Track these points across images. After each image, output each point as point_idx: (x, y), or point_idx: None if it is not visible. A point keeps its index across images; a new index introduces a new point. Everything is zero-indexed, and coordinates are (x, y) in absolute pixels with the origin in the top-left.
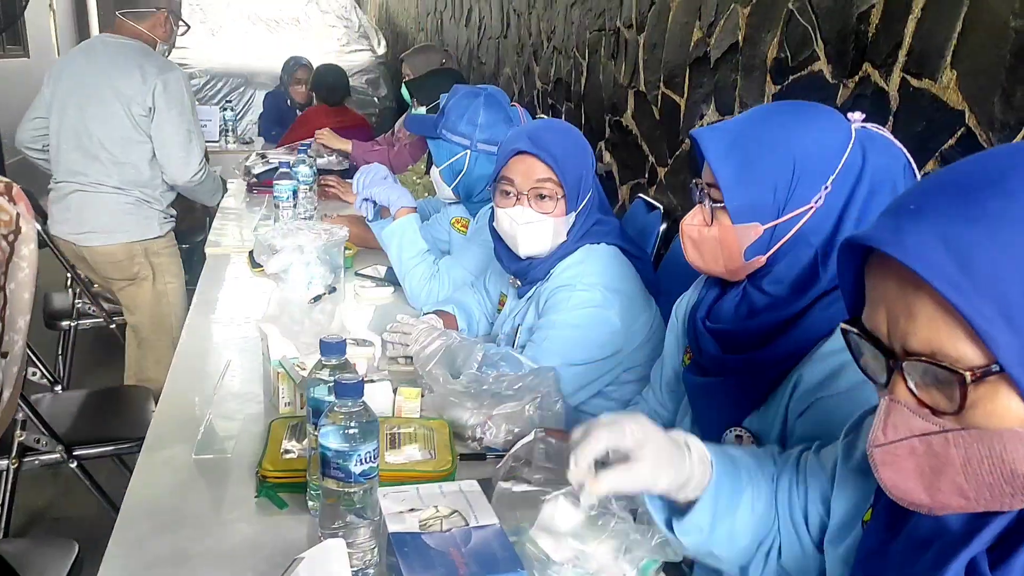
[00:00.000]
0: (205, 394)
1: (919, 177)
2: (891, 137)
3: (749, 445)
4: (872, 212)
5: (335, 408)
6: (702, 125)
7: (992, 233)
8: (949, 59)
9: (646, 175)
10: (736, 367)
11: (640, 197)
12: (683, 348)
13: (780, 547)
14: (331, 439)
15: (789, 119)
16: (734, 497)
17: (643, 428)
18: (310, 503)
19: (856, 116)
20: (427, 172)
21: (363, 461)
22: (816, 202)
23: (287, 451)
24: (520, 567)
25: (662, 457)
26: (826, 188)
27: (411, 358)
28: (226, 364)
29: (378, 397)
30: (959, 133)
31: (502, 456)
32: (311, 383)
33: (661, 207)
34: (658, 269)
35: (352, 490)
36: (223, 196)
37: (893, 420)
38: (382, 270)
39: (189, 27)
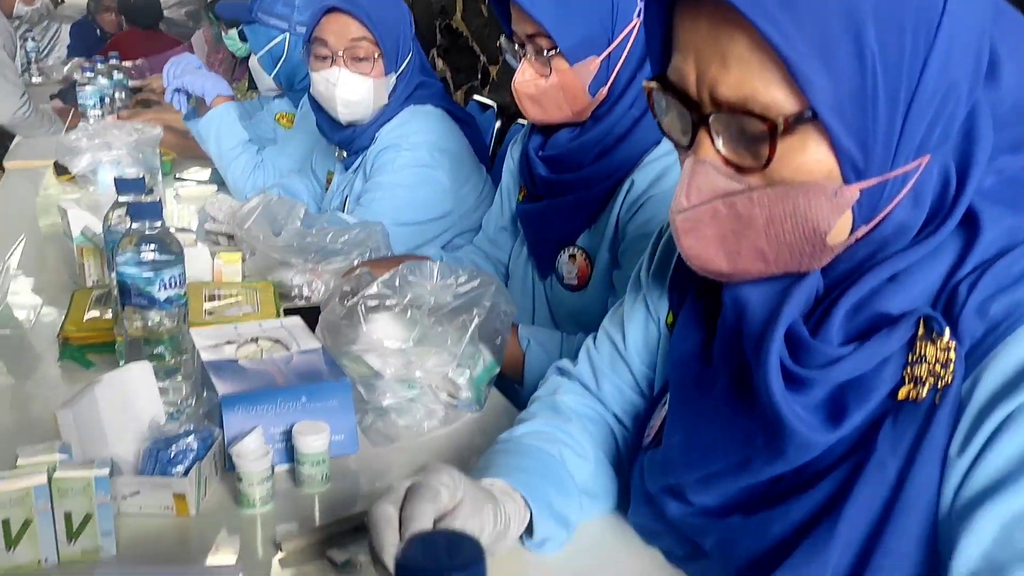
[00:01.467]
0: None
1: None
2: None
3: (583, 264)
4: None
5: (132, 231)
6: None
7: None
8: None
9: (479, 76)
10: (570, 183)
11: (474, 99)
12: (518, 188)
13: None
14: (130, 266)
15: None
16: (560, 495)
17: (454, 480)
18: (120, 360)
19: None
20: (250, 88)
21: (167, 286)
22: (639, 15)
23: (92, 315)
24: (344, 376)
25: (479, 507)
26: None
27: (232, 236)
28: (19, 240)
29: (196, 263)
30: None
31: None
32: (119, 257)
33: (495, 105)
34: (492, 168)
35: (157, 319)
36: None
37: (697, 183)
38: (206, 174)
39: None
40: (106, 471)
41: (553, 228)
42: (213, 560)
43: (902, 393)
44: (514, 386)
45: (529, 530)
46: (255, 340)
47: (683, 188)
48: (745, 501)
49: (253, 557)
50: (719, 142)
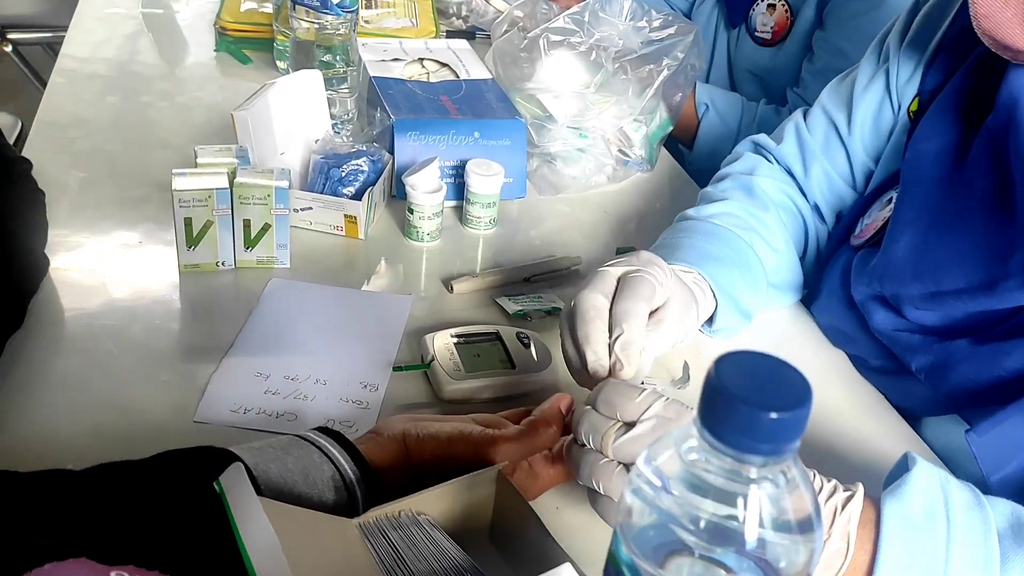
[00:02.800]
0: None
1: None
2: None
3: (782, 16)
4: None
5: None
6: None
7: None
8: None
9: None
10: None
11: None
12: None
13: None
14: None
15: None
16: (748, 288)
17: (664, 274)
18: (278, 61)
19: None
20: None
21: None
22: None
23: (250, 5)
24: (518, 115)
25: (686, 308)
26: None
27: None
28: None
29: None
30: None
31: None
32: None
33: None
34: None
35: (328, 22)
36: None
37: None
38: None
39: None
40: (286, 183)
41: None
42: (377, 285)
43: None
44: (679, 148)
45: (710, 318)
46: (420, 61)
47: None
48: (975, 327)
49: (418, 289)
50: None
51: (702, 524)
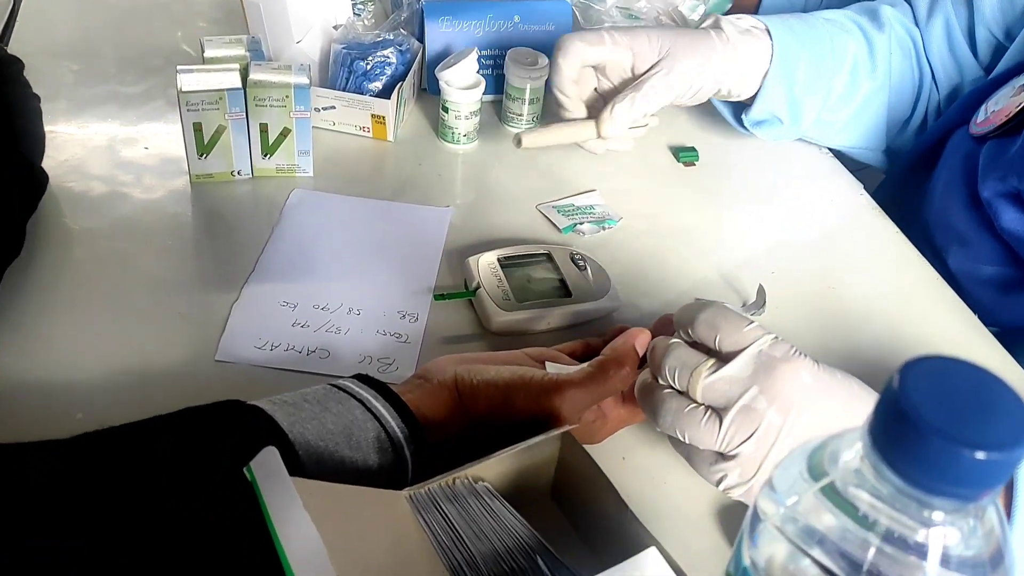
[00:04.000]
0: None
1: None
2: None
3: None
4: None
5: None
6: None
7: None
8: None
9: None
10: None
11: None
12: None
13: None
14: None
15: None
16: (811, 78)
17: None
18: None
19: None
20: None
21: None
22: None
23: None
24: None
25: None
26: None
27: None
28: None
29: None
30: None
31: None
32: None
33: None
34: None
35: None
36: None
37: None
38: None
39: None
40: (306, 80)
41: None
42: (412, 195)
43: None
44: None
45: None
46: None
47: None
48: None
49: (454, 199)
50: None
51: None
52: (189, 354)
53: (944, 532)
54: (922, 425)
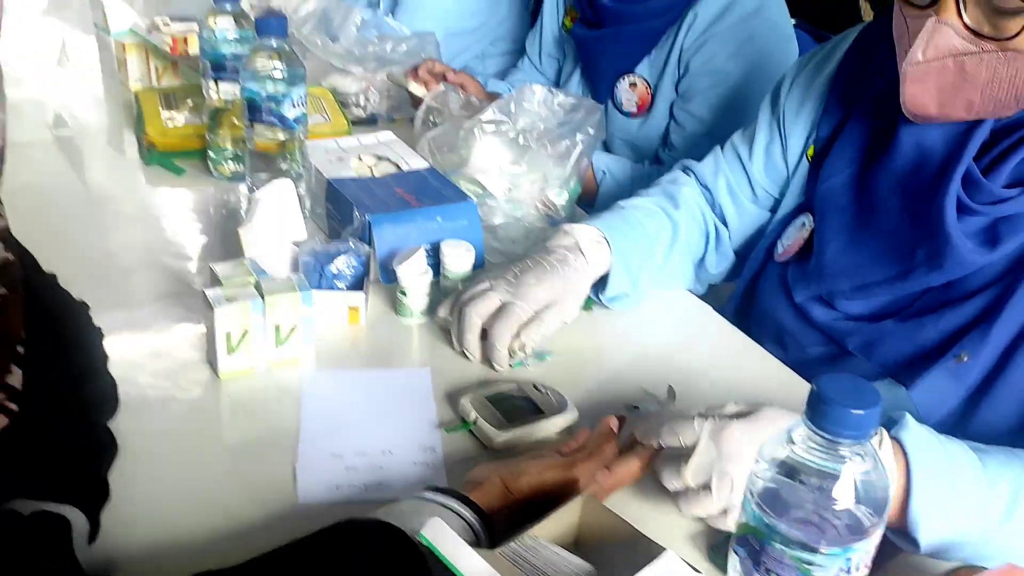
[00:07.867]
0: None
1: None
2: None
3: (644, 92)
4: None
5: (261, 47)
6: None
7: None
8: None
9: None
10: (632, 13)
11: None
12: (562, 12)
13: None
14: (259, 83)
15: None
16: (642, 247)
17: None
18: (214, 168)
19: None
20: None
21: (295, 105)
22: None
23: (170, 119)
24: (467, 198)
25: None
26: None
27: None
28: (61, 44)
29: None
30: None
31: (392, 121)
32: (246, 72)
33: None
34: None
35: (285, 138)
36: None
37: (935, 42)
38: None
39: None
40: (309, 289)
41: (613, 56)
42: (393, 362)
43: None
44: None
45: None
46: (359, 157)
47: (920, 45)
48: (896, 308)
49: (426, 360)
50: (966, 10)
51: (808, 493)
52: (274, 503)
53: (850, 462)
54: (830, 401)
